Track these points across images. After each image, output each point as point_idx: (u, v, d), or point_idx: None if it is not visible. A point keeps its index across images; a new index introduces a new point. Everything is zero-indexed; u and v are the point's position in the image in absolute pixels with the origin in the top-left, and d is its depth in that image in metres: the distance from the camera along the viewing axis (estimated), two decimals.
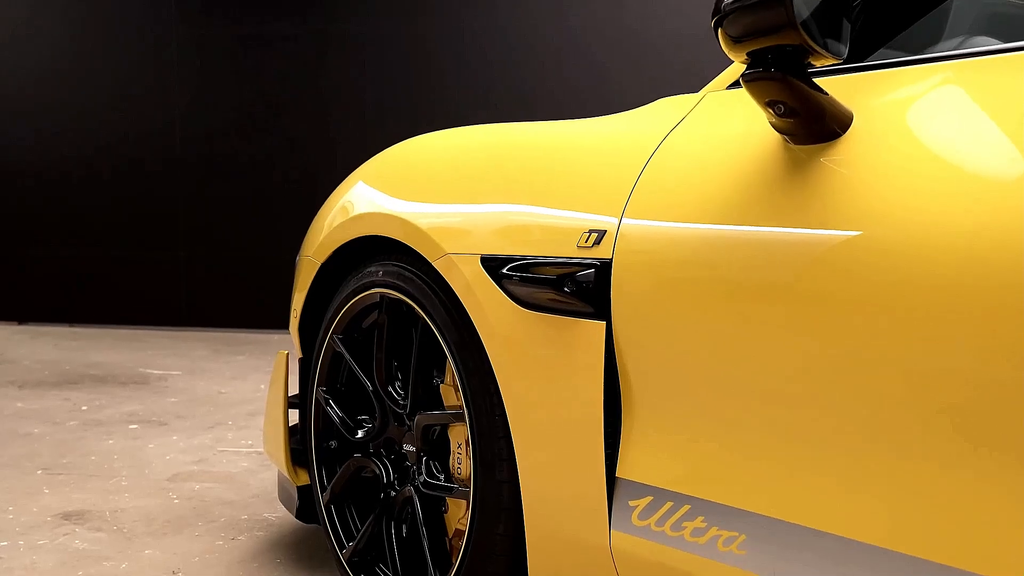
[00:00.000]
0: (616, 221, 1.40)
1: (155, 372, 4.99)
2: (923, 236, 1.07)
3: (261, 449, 3.37)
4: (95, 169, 6.95)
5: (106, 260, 6.96)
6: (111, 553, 2.32)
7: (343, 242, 1.93)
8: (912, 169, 1.11)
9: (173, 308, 6.83)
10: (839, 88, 1.22)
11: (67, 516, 2.60)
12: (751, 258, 1.23)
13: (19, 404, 4.14)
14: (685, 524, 1.31)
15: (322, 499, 2.01)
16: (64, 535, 2.45)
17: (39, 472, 3.05)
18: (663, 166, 1.40)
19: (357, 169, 2.09)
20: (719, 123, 1.39)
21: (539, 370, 1.49)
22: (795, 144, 1.22)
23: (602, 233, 1.41)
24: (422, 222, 1.71)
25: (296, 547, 2.38)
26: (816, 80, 1.17)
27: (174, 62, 6.74)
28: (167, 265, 6.84)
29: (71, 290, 7.04)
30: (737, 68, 1.41)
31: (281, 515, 2.63)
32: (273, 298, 5.95)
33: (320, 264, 2.01)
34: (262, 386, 4.54)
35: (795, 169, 1.21)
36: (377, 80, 6.34)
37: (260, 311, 6.45)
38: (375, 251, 1.90)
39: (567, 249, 1.45)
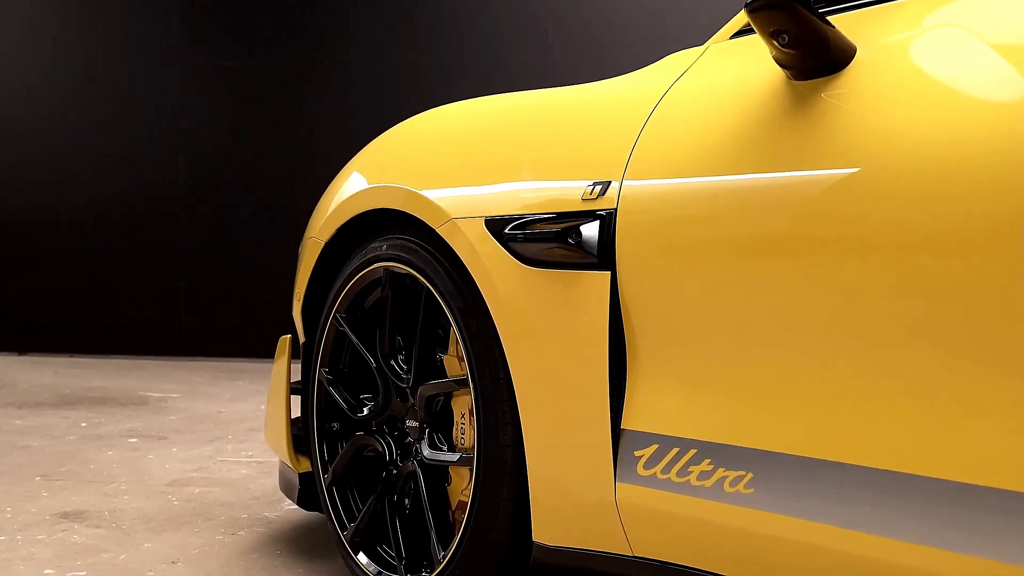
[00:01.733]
0: (620, 171, 1.40)
1: (155, 394, 4.97)
2: (926, 167, 1.07)
3: (261, 459, 3.34)
4: (97, 203, 7.00)
5: (107, 291, 6.97)
6: (110, 546, 2.30)
7: (347, 219, 1.93)
8: (915, 98, 1.12)
9: (173, 338, 6.83)
10: (842, 25, 1.23)
11: (65, 515, 2.57)
12: (755, 201, 1.24)
13: (17, 421, 4.11)
14: (691, 469, 1.30)
15: (324, 481, 1.99)
16: (62, 531, 2.42)
17: (37, 478, 3.02)
18: (667, 115, 1.40)
19: (359, 153, 2.10)
20: (721, 70, 1.40)
21: (544, 326, 1.48)
22: (797, 80, 1.22)
23: (606, 184, 1.41)
24: (425, 190, 1.72)
25: (296, 541, 2.35)
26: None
27: (176, 89, 6.81)
28: (167, 295, 6.84)
29: (71, 321, 7.04)
30: (740, 19, 1.43)
31: (281, 513, 2.60)
32: (272, 327, 5.95)
33: (324, 243, 2.00)
34: (262, 406, 4.51)
35: (798, 105, 1.22)
36: (368, 115, 6.38)
37: (260, 340, 6.42)
38: (379, 229, 1.90)
39: (572, 203, 1.45)
